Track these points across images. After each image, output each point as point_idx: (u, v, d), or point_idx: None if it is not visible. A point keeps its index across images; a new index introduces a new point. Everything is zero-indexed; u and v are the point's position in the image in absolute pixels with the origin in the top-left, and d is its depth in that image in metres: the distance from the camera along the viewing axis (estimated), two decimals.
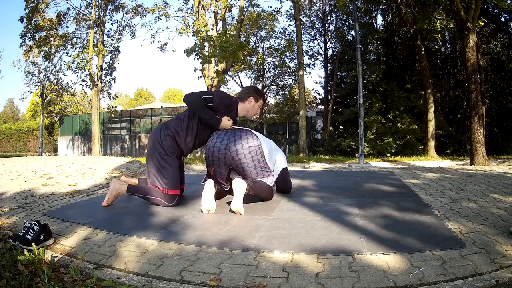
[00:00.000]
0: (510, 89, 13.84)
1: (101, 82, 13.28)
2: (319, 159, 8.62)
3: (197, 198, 2.61)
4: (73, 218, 2.19)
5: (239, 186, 2.21)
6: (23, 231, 1.71)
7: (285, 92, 21.19)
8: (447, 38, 14.36)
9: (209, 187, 2.30)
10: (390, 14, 14.54)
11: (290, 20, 18.97)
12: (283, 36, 19.05)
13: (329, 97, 16.54)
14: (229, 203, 2.32)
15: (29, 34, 13.15)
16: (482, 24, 8.79)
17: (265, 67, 20.06)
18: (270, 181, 2.48)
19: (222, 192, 2.59)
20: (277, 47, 18.90)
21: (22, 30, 13.02)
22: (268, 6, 44.67)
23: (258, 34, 19.06)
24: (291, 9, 16.10)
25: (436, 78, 13.72)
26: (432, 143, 10.26)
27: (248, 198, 2.34)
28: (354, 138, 12.84)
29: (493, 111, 14.01)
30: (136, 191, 2.54)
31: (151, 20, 13.10)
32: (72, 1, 34.62)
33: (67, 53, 14.06)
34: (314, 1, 18.02)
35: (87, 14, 13.29)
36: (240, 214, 2.19)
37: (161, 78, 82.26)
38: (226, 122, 2.50)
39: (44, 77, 15.19)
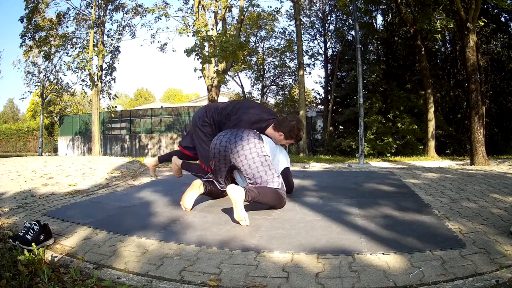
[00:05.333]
0: (510, 89, 13.81)
1: (101, 82, 13.26)
2: (319, 159, 8.62)
3: (196, 198, 2.61)
4: (73, 218, 2.19)
5: (234, 195, 2.01)
6: (23, 231, 1.71)
7: (285, 92, 21.16)
8: (447, 38, 14.34)
9: (194, 186, 2.39)
10: (390, 14, 14.52)
11: (290, 20, 18.98)
12: (283, 36, 19.05)
13: (329, 97, 16.53)
14: (229, 202, 2.31)
15: (29, 34, 13.11)
16: (482, 24, 8.80)
17: (265, 67, 20.05)
18: (276, 184, 2.32)
19: (218, 193, 2.56)
20: (277, 47, 18.90)
21: (22, 30, 12.99)
22: (268, 6, 44.70)
23: (258, 34, 19.03)
24: (291, 9, 16.12)
25: (436, 78, 13.70)
26: (432, 143, 10.25)
27: (256, 205, 2.24)
28: (354, 138, 12.82)
29: (493, 111, 13.98)
30: (188, 167, 2.86)
31: (151, 20, 13.06)
32: (72, 1, 34.69)
33: (67, 53, 14.02)
34: (314, 1, 18.00)
35: (87, 14, 13.26)
36: (245, 223, 2.02)
37: (161, 78, 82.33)
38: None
39: (44, 77, 15.16)
